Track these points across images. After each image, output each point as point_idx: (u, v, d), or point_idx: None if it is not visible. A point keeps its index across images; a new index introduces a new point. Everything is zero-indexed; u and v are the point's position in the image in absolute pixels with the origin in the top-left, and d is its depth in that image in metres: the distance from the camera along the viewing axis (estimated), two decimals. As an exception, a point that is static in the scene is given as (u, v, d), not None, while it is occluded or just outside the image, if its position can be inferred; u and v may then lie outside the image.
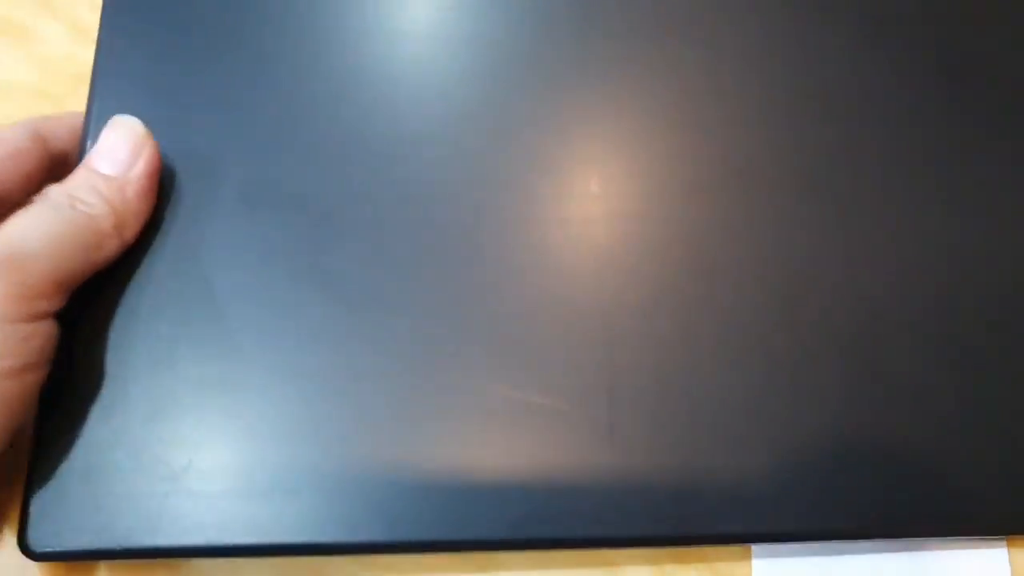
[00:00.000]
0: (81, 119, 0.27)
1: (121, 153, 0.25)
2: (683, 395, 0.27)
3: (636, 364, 0.27)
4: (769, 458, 0.26)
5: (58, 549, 0.25)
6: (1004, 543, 0.28)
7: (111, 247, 0.25)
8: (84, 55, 0.30)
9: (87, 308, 0.26)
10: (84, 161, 0.25)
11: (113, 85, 0.28)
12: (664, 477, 0.26)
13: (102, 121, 0.27)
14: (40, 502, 0.25)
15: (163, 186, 0.27)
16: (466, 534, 0.25)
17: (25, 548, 0.24)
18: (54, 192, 0.24)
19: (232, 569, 0.27)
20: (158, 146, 0.26)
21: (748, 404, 0.27)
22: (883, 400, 0.27)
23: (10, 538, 0.25)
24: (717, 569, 0.27)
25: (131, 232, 0.25)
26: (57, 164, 0.26)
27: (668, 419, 0.27)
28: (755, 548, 0.28)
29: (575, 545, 0.26)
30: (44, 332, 0.23)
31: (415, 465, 0.26)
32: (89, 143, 0.27)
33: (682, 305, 0.28)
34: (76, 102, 0.28)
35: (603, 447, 0.26)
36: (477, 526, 0.25)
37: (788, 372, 0.27)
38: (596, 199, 0.29)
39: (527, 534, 0.25)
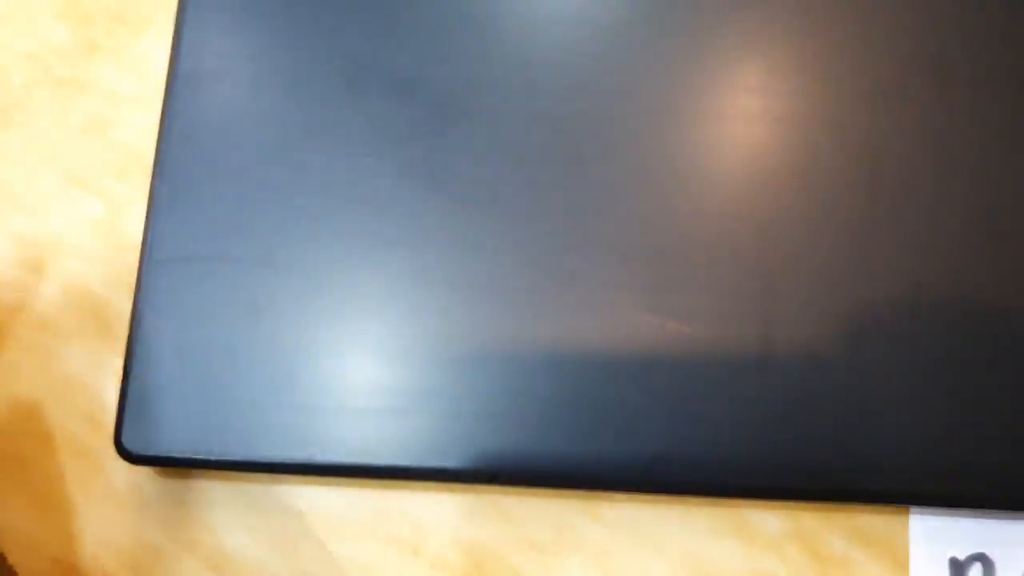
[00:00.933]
0: None
1: None
2: (854, 334, 0.23)
3: (795, 290, 0.23)
4: (948, 416, 0.22)
5: (152, 453, 0.23)
6: None
7: None
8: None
9: (190, 203, 0.24)
10: None
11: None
12: (822, 425, 0.23)
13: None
14: (136, 405, 0.23)
15: (265, 68, 0.25)
16: (593, 472, 0.23)
17: (120, 449, 0.23)
18: None
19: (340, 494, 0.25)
20: None
21: (929, 350, 0.23)
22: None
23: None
24: (859, 525, 0.24)
25: None
26: None
27: (832, 359, 0.23)
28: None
29: (712, 492, 0.23)
30: None
31: (535, 393, 0.23)
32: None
33: (853, 221, 0.24)
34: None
35: (751, 383, 0.23)
36: (605, 465, 0.23)
37: (982, 318, 0.23)
38: (755, 93, 0.25)
39: (660, 476, 0.22)
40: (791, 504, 0.24)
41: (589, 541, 0.24)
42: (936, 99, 0.24)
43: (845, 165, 0.24)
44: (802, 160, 0.24)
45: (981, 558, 0.24)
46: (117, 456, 0.23)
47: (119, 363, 0.24)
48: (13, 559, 0.24)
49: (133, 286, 0.24)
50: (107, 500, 0.25)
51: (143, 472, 0.24)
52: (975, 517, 0.24)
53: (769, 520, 0.24)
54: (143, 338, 0.24)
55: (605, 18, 0.25)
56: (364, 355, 0.24)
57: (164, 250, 0.24)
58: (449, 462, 0.23)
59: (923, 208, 0.24)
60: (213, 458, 0.23)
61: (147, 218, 0.24)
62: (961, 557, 0.24)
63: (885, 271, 0.23)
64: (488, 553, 0.24)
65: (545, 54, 0.25)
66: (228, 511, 0.24)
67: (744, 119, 0.24)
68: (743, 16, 0.25)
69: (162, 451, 0.23)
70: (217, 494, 0.25)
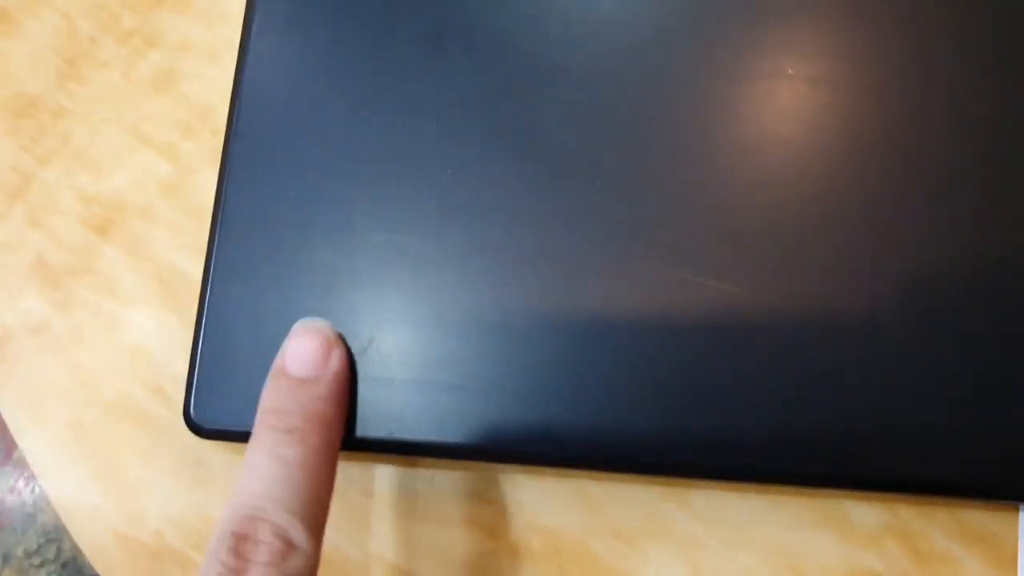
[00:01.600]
0: None
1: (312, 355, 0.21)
2: (967, 321, 0.22)
3: (904, 262, 0.22)
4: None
5: (222, 427, 0.22)
6: None
7: None
8: None
9: (266, 166, 0.23)
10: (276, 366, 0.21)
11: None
12: (932, 414, 0.21)
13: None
14: (207, 376, 0.22)
15: (346, 26, 0.23)
16: (683, 458, 0.21)
17: (190, 422, 0.22)
18: None
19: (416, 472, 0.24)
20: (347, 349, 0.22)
21: None
22: None
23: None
24: (962, 520, 0.23)
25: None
26: None
27: (947, 345, 0.22)
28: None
29: (811, 483, 0.22)
30: None
31: (623, 376, 0.22)
32: None
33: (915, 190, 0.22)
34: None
35: (854, 369, 0.21)
36: (696, 451, 0.21)
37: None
38: (806, 60, 0.23)
39: (755, 465, 0.21)
40: (889, 496, 0.23)
41: (675, 531, 0.23)
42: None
43: (890, 134, 0.23)
44: (845, 128, 0.23)
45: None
46: (185, 428, 0.22)
47: (187, 332, 0.23)
48: (74, 532, 0.23)
49: (200, 251, 0.23)
50: (173, 474, 0.24)
51: (211, 446, 0.23)
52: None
53: (866, 513, 0.23)
54: (215, 307, 0.22)
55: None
56: (444, 330, 0.22)
57: (239, 215, 0.23)
58: (531, 445, 0.22)
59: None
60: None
61: (220, 181, 0.23)
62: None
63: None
64: (569, 539, 0.23)
65: (607, 27, 0.24)
66: (298, 488, 0.23)
67: (799, 87, 0.23)
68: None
69: (232, 425, 0.22)
70: (286, 470, 0.24)
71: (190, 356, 0.22)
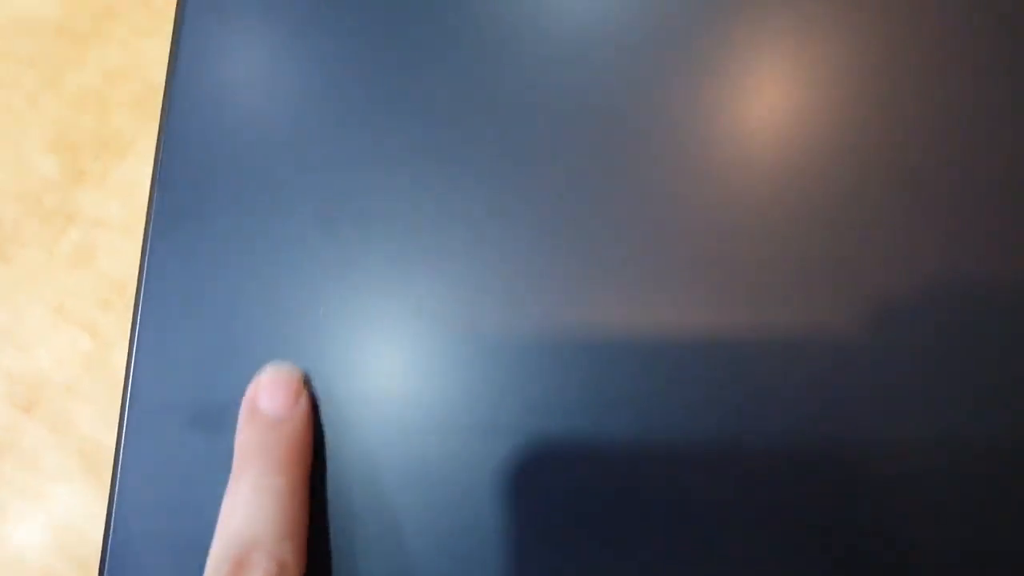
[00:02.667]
0: None
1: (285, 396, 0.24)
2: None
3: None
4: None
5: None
6: None
7: None
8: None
9: (174, 346, 0.23)
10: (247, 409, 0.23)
11: None
12: None
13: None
14: (119, 555, 0.22)
15: (247, 209, 0.24)
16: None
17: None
18: None
19: None
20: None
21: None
22: None
23: None
24: None
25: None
26: None
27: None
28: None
29: None
30: None
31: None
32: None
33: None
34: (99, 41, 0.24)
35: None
36: None
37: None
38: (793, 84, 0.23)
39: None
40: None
41: None
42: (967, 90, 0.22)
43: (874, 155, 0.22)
44: (822, 151, 0.22)
45: None
46: (104, 605, 0.22)
47: (105, 506, 0.23)
48: None
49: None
50: (95, 649, 0.24)
51: (130, 620, 0.24)
52: None
53: None
54: (125, 487, 0.23)
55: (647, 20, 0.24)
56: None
57: (146, 397, 0.23)
58: None
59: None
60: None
61: (129, 363, 0.24)
62: None
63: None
64: None
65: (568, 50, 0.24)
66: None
67: (793, 108, 0.23)
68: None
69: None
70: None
71: (103, 534, 0.23)
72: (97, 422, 0.25)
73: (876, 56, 0.24)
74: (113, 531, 0.23)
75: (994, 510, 0.21)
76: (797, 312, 0.23)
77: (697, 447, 0.22)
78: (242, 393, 0.23)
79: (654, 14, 0.24)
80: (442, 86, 0.24)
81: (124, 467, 0.23)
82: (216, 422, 0.23)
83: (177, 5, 0.25)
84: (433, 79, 0.24)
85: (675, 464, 0.22)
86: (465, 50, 0.24)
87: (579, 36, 0.24)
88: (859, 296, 0.22)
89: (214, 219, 0.24)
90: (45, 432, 0.25)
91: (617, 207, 0.23)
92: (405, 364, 0.23)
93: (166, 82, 0.25)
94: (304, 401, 0.23)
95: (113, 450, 0.25)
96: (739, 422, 0.21)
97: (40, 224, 0.27)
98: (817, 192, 0.23)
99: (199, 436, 0.23)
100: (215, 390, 0.23)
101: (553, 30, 0.25)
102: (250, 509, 0.20)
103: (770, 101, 0.23)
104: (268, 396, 0.23)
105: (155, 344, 0.24)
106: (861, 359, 0.22)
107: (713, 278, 0.22)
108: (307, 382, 0.23)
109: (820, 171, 0.23)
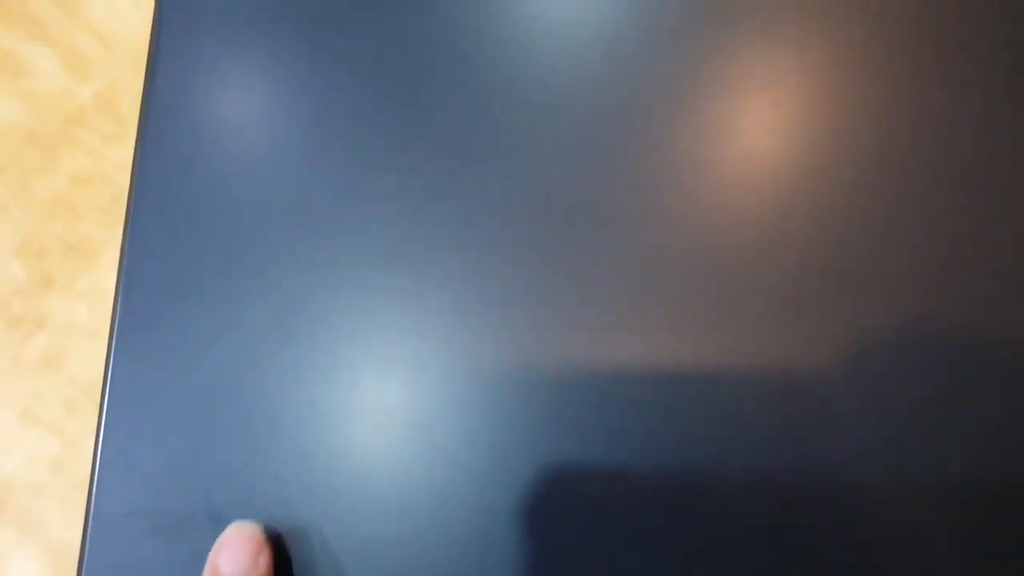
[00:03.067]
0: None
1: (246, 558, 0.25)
2: None
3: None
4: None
5: None
6: None
7: None
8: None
9: (137, 452, 0.24)
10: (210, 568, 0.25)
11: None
12: None
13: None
14: None
15: (208, 309, 0.24)
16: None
17: None
18: None
19: None
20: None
21: None
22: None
23: None
24: None
25: None
26: None
27: None
28: None
29: None
30: None
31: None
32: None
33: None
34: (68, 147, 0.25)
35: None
36: None
37: None
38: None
39: None
40: None
41: None
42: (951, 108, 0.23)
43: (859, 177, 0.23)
44: (812, 172, 0.23)
45: None
46: None
47: (73, 610, 0.23)
48: None
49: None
50: None
51: None
52: None
53: None
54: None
55: (634, 27, 0.25)
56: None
57: (109, 502, 0.24)
58: None
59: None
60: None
61: (93, 468, 0.24)
62: None
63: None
64: None
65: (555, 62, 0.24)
66: None
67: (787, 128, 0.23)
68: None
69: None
70: None
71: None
72: (64, 524, 0.25)
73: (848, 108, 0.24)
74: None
75: (970, 539, 0.21)
76: (785, 343, 0.23)
77: (687, 477, 0.23)
78: (204, 498, 0.23)
79: (641, 39, 0.25)
80: (418, 163, 0.25)
81: (88, 572, 0.24)
82: (179, 528, 0.23)
83: (140, 113, 0.26)
84: (403, 162, 0.25)
85: (664, 498, 0.22)
86: (443, 90, 0.25)
87: (560, 78, 0.25)
88: (853, 329, 0.23)
89: (178, 324, 0.25)
90: (11, 535, 0.25)
91: (605, 246, 0.24)
92: (364, 465, 0.24)
93: (130, 187, 0.26)
94: (264, 560, 0.24)
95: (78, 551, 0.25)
96: (738, 453, 0.22)
97: (7, 329, 0.28)
98: (805, 226, 0.24)
99: (161, 541, 0.23)
100: (178, 496, 0.24)
101: (535, 65, 0.25)
102: None
103: (754, 142, 0.24)
104: (228, 557, 0.24)
105: (118, 450, 0.24)
106: (850, 393, 0.23)
107: (707, 314, 0.24)
108: (272, 535, 0.24)
109: (806, 206, 0.24)
